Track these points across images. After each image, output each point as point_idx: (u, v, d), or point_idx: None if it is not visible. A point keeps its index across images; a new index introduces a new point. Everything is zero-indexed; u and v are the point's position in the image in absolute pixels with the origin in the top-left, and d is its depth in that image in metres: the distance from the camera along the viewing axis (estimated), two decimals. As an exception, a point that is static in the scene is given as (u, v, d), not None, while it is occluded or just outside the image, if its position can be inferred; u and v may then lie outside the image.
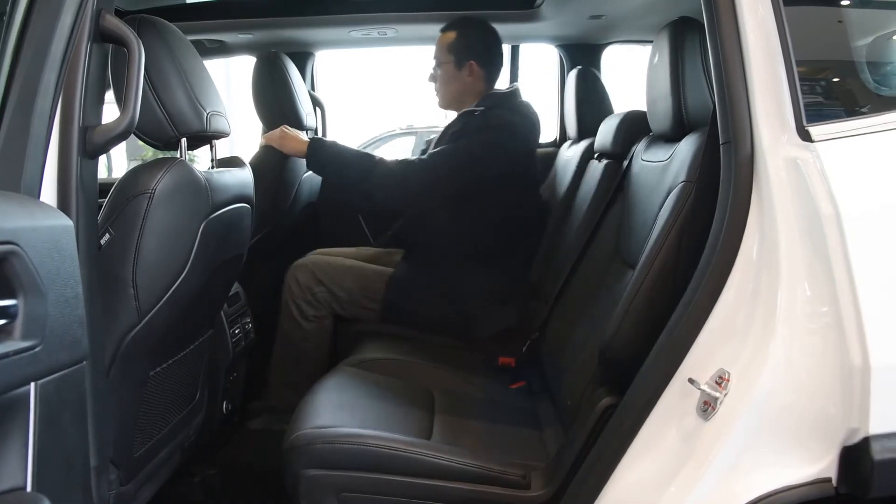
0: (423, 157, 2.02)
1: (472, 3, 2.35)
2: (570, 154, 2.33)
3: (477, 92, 2.13)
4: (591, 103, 2.33)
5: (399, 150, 8.94)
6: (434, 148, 2.08)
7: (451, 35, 2.13)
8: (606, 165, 1.88)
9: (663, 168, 1.39)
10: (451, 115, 2.18)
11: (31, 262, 0.77)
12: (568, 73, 2.71)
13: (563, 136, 2.75)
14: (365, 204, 2.29)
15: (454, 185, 1.97)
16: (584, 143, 2.22)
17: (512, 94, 2.12)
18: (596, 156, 2.02)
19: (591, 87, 2.38)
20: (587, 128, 2.20)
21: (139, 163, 1.27)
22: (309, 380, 1.63)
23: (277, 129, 2.10)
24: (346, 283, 2.06)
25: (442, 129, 2.19)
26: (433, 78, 2.19)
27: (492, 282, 2.04)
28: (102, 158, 1.11)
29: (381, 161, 2.00)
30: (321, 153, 2.01)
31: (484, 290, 2.02)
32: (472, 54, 2.11)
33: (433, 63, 2.17)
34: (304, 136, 2.09)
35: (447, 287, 2.03)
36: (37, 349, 0.78)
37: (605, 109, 2.31)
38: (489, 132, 1.97)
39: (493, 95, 2.11)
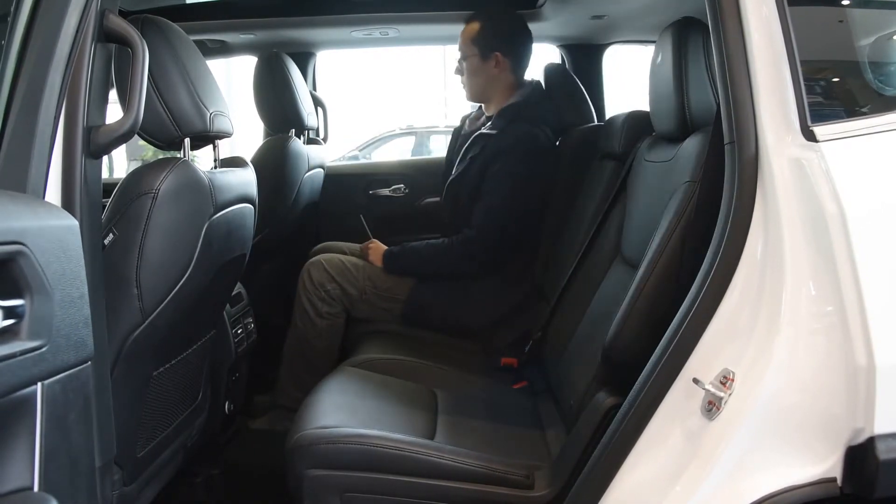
0: (473, 229, 2.03)
1: (473, 3, 2.35)
2: None
3: (506, 84, 2.12)
4: (563, 99, 2.32)
5: (399, 150, 8.95)
6: (450, 167, 2.16)
7: (475, 26, 2.11)
8: (609, 165, 1.88)
9: (667, 168, 1.39)
10: (451, 117, 2.20)
11: (38, 261, 0.77)
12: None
13: None
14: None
15: (511, 225, 2.01)
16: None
17: (525, 105, 2.09)
18: (599, 156, 2.02)
19: (562, 82, 2.37)
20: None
21: (139, 163, 1.27)
22: (318, 379, 1.63)
23: (367, 248, 2.16)
24: (360, 282, 2.07)
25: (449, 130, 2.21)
26: (459, 71, 2.18)
27: (513, 289, 2.07)
28: (104, 159, 1.10)
29: (445, 246, 2.05)
30: (396, 261, 2.09)
31: (506, 298, 2.05)
32: (496, 45, 2.09)
33: (458, 56, 2.16)
34: (382, 249, 2.14)
35: (471, 293, 2.05)
36: (43, 349, 0.77)
37: (580, 106, 2.34)
38: (512, 155, 1.99)
39: (507, 111, 2.09)
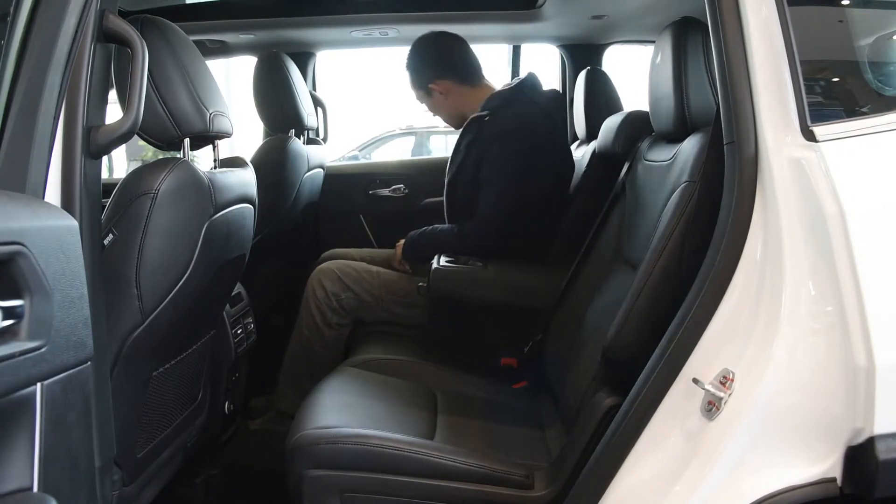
0: (475, 219, 2.01)
1: (472, 4, 2.35)
2: (578, 154, 2.33)
3: (466, 99, 2.13)
4: (600, 104, 2.32)
5: (399, 150, 8.95)
6: (450, 165, 2.11)
7: (407, 74, 2.18)
8: (609, 166, 1.88)
9: (666, 168, 1.38)
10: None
11: (37, 262, 0.77)
12: (569, 74, 2.72)
13: (573, 137, 2.73)
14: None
15: (518, 211, 1.98)
16: (593, 144, 2.22)
17: (516, 90, 2.08)
18: (598, 156, 2.02)
19: (600, 88, 2.37)
20: (596, 129, 2.20)
21: (139, 163, 1.27)
22: None
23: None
24: (375, 288, 2.05)
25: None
26: (429, 110, 2.24)
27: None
28: (103, 159, 1.11)
29: (454, 234, 2.05)
30: (412, 246, 2.12)
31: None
32: (424, 79, 2.14)
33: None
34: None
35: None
36: (42, 350, 0.77)
37: (614, 110, 2.29)
38: (509, 139, 1.96)
39: (496, 96, 2.08)
